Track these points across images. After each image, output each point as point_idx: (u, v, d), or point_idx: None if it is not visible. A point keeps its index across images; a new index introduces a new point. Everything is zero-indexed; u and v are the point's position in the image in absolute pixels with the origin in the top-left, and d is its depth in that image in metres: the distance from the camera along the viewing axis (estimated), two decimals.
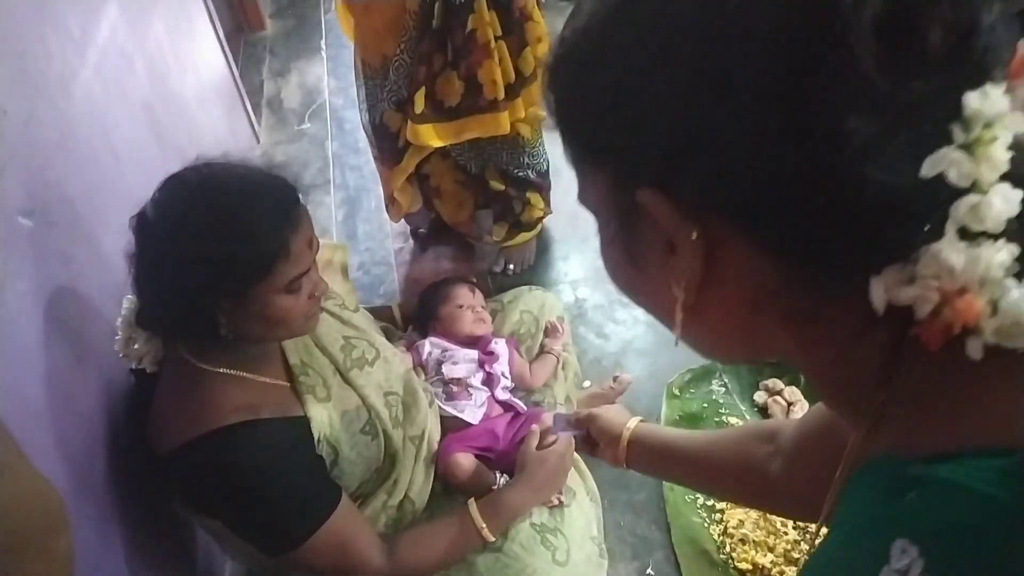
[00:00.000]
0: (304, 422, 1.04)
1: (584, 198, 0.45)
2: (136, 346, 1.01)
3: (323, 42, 3.44)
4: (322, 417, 1.06)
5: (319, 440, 1.05)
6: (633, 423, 0.96)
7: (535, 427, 1.27)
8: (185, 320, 0.95)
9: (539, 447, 1.24)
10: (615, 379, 1.79)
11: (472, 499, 1.18)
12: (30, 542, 0.34)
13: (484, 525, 1.15)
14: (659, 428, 0.95)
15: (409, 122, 1.81)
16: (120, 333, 1.03)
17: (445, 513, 1.22)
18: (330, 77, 3.22)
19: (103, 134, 1.36)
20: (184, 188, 0.94)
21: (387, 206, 2.22)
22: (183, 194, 0.93)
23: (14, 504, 0.34)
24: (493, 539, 1.16)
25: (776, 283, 0.38)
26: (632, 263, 0.44)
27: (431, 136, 1.82)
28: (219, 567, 1.53)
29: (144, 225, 0.94)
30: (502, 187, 2.05)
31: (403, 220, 2.33)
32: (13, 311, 0.87)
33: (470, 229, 2.26)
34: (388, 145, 1.97)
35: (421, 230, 2.43)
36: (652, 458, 0.93)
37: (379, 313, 1.61)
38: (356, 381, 1.15)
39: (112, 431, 1.07)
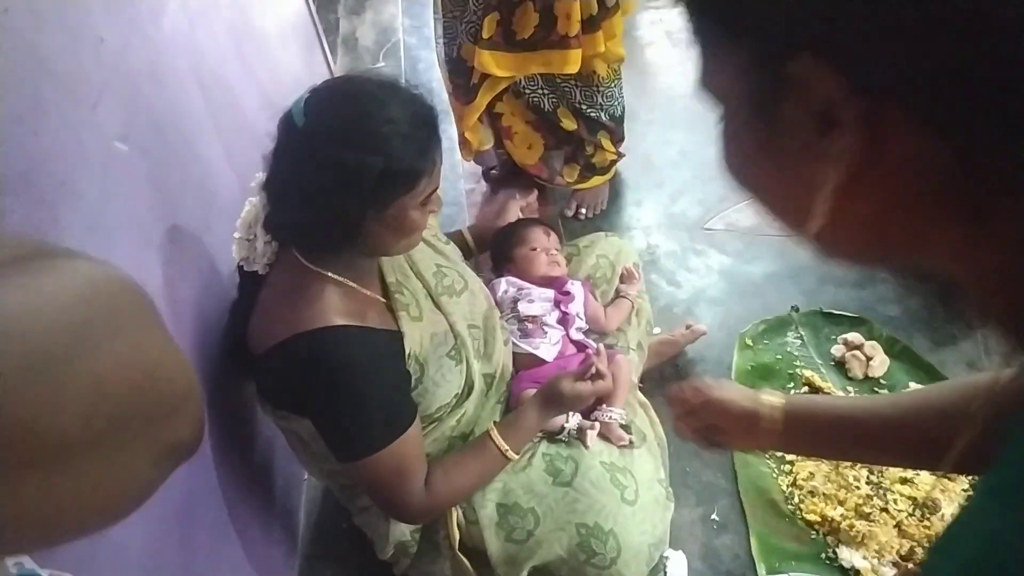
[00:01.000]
0: (399, 336, 1.08)
1: (709, 83, 0.40)
2: (257, 247, 1.05)
3: None
4: (414, 334, 1.09)
5: (409, 355, 1.08)
6: (777, 398, 0.82)
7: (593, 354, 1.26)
8: (326, 228, 0.98)
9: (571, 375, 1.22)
10: (687, 327, 1.77)
11: (493, 424, 1.20)
12: (170, 406, 0.38)
13: (507, 447, 1.17)
14: (812, 400, 0.85)
15: (476, 47, 1.79)
16: (238, 234, 1.06)
17: (470, 442, 1.23)
18: (404, 16, 3.19)
19: (191, 66, 1.39)
20: (342, 99, 0.96)
21: (459, 145, 2.21)
22: (341, 104, 0.96)
23: (160, 368, 0.37)
24: (517, 457, 1.19)
25: (947, 171, 0.33)
26: (765, 153, 0.39)
27: (492, 64, 1.80)
28: (297, 484, 1.61)
29: (296, 131, 0.95)
30: (574, 126, 2.02)
31: (474, 161, 2.32)
32: (111, 237, 0.90)
33: (541, 171, 2.24)
34: (463, 81, 1.95)
35: (493, 171, 2.42)
36: (817, 434, 0.80)
37: (450, 238, 1.62)
38: (446, 307, 1.17)
39: (204, 350, 1.11)
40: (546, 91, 1.96)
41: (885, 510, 1.47)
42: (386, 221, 0.99)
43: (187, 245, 1.14)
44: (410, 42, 3.04)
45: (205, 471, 1.09)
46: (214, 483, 1.11)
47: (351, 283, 1.05)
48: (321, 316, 1.00)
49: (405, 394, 1.09)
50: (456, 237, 1.67)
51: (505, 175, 2.41)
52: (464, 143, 2.16)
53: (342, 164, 0.92)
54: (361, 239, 1.00)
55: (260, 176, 1.05)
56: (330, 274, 1.03)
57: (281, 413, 1.11)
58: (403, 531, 1.27)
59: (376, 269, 1.13)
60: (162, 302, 1.00)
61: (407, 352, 1.08)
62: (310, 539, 1.55)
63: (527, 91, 1.97)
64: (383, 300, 1.11)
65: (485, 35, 1.75)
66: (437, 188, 1.02)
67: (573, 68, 1.79)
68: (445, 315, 1.17)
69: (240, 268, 1.11)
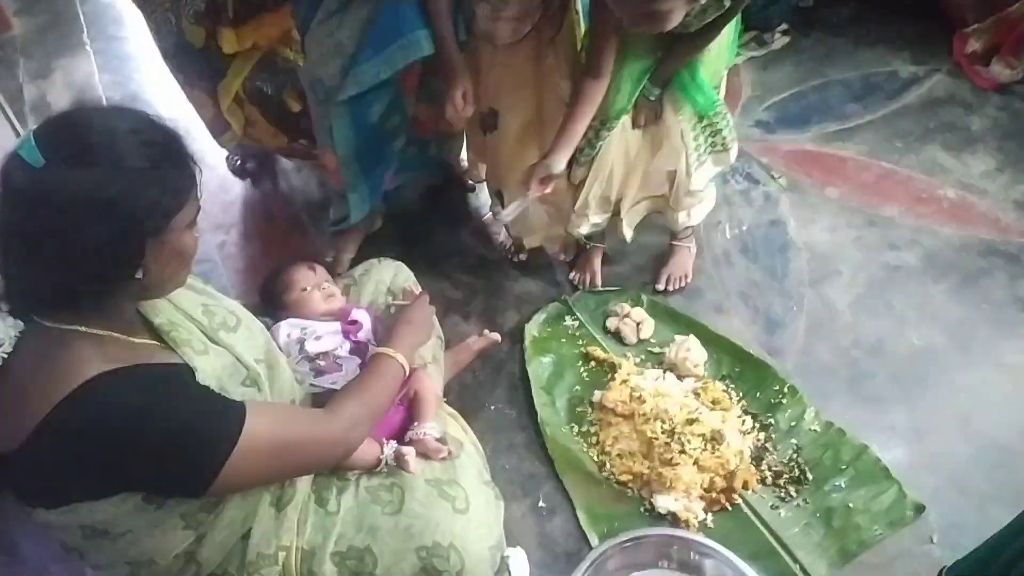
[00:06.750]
0: (186, 368, 0.97)
1: None
2: None
3: (85, 35, 3.09)
4: (206, 366, 0.99)
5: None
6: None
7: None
8: (97, 275, 0.88)
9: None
10: (480, 334, 1.83)
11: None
12: None
13: (393, 352, 1.23)
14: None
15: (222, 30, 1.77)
16: None
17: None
18: (102, 72, 2.91)
19: None
20: (84, 125, 0.86)
21: (215, 135, 2.14)
22: (87, 130, 0.85)
23: None
24: (409, 362, 1.25)
25: None
26: None
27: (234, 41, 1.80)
28: None
29: (32, 175, 0.82)
30: (300, 107, 1.97)
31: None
32: None
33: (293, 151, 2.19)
34: (196, 65, 1.88)
35: (249, 165, 2.42)
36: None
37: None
38: (225, 341, 1.08)
39: None
40: (267, 75, 1.92)
41: (683, 451, 1.61)
42: (166, 248, 0.91)
43: None
44: (113, 97, 2.77)
45: None
46: None
47: (112, 333, 0.93)
48: (78, 372, 0.86)
49: (217, 397, 0.97)
50: None
51: (259, 166, 2.43)
52: (222, 131, 2.10)
53: (111, 195, 0.83)
54: (136, 279, 0.91)
55: None
56: (83, 328, 0.90)
57: (61, 508, 0.92)
58: None
59: (138, 318, 1.01)
60: None
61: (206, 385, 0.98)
62: None
63: (248, 76, 1.92)
64: (158, 343, 1.00)
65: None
66: (200, 209, 0.96)
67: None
68: (227, 348, 1.08)
69: None
